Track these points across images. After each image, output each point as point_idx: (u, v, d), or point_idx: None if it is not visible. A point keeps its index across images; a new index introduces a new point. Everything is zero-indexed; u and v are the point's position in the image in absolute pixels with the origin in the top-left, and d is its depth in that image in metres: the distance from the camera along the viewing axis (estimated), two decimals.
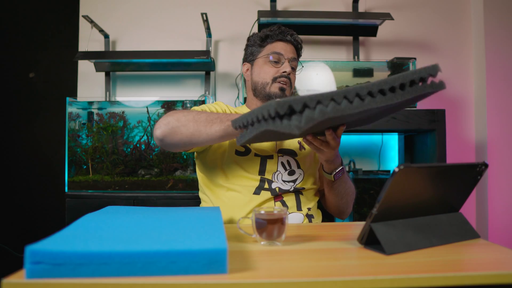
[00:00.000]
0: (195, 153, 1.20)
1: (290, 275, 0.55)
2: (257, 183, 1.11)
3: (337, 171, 1.06)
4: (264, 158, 1.13)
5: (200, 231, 0.66)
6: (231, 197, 1.10)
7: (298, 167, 1.16)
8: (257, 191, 1.09)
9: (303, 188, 1.14)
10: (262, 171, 1.12)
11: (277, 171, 1.13)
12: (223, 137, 0.94)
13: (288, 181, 1.13)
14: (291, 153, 1.17)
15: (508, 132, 2.17)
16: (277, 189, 1.10)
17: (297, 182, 1.14)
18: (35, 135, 2.25)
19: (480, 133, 2.22)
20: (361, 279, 0.53)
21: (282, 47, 1.22)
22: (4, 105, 2.24)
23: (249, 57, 1.27)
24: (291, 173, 1.14)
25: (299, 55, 1.28)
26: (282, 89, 1.18)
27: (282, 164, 1.14)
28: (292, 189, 1.12)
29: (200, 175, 1.20)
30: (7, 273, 0.54)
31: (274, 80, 1.18)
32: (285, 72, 1.18)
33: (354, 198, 1.24)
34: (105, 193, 1.83)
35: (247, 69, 1.27)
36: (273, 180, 1.12)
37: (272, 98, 1.18)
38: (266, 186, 1.10)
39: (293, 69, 1.23)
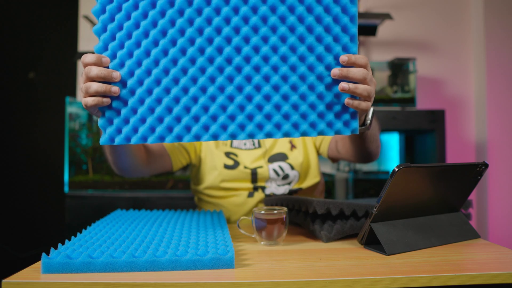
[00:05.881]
0: (191, 170, 1.20)
1: (290, 275, 0.55)
2: (250, 190, 1.09)
3: (370, 116, 0.80)
4: (254, 170, 1.09)
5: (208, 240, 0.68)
6: (225, 202, 1.10)
7: (292, 169, 1.10)
8: (250, 195, 1.09)
9: (300, 189, 1.12)
10: (254, 180, 1.09)
11: (269, 178, 1.09)
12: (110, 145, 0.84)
13: (283, 185, 1.10)
14: (281, 157, 1.11)
15: (508, 132, 2.17)
16: (271, 194, 1.09)
17: (292, 184, 1.11)
18: (35, 135, 2.25)
19: (480, 133, 2.22)
20: (361, 279, 0.53)
21: None
22: (4, 105, 2.24)
23: None
24: (285, 177, 1.10)
25: None
26: None
27: (274, 171, 1.10)
28: (287, 191, 1.10)
29: (194, 188, 1.19)
30: (7, 273, 0.54)
31: None
32: None
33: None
34: (105, 193, 1.83)
35: None
36: (267, 186, 1.09)
37: None
38: (260, 191, 1.09)
39: None
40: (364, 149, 0.94)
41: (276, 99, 0.65)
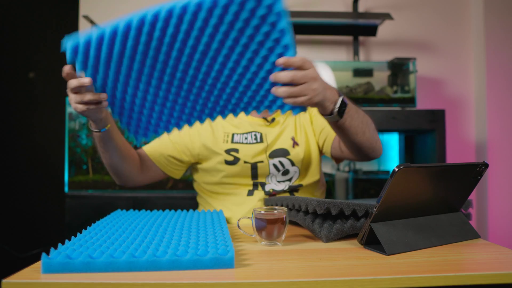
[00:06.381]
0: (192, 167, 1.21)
1: (290, 275, 0.55)
2: (250, 187, 1.10)
3: (338, 105, 0.85)
4: (254, 164, 1.10)
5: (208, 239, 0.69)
6: (225, 200, 1.11)
7: (293, 165, 1.11)
8: (250, 193, 1.09)
9: (301, 185, 1.12)
10: (254, 176, 1.10)
11: (270, 174, 1.10)
12: (100, 142, 0.96)
13: (283, 181, 1.11)
14: (283, 153, 1.12)
15: (508, 132, 2.17)
16: (271, 191, 1.09)
17: (292, 181, 1.11)
18: (35, 135, 2.25)
19: (480, 133, 2.22)
20: (361, 279, 0.53)
21: None
22: (4, 105, 2.23)
23: None
24: (285, 172, 1.11)
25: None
26: None
27: (275, 166, 1.10)
28: (287, 187, 1.10)
29: (195, 182, 1.20)
30: (7, 273, 0.54)
31: None
32: None
33: (374, 126, 1.04)
34: (105, 193, 1.83)
35: None
36: (267, 182, 1.10)
37: None
38: (260, 189, 1.09)
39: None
40: (352, 141, 0.96)
41: (237, 95, 0.81)
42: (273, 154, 1.11)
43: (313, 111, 1.21)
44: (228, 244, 0.64)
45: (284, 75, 0.75)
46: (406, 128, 1.88)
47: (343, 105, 0.85)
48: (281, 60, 0.74)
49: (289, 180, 1.11)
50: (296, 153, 1.12)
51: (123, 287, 0.52)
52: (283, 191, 1.10)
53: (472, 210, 0.90)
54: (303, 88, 0.76)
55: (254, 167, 1.09)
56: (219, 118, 1.15)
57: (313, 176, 1.14)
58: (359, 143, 0.97)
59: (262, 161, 1.10)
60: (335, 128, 0.93)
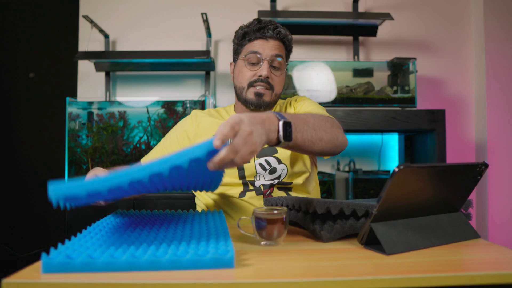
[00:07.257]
0: None
1: (290, 275, 0.55)
2: (240, 188, 1.09)
3: (281, 131, 0.75)
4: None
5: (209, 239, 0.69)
6: (220, 203, 1.12)
7: (279, 162, 1.09)
8: (242, 195, 1.09)
9: (291, 183, 1.11)
10: (242, 177, 1.10)
11: (257, 173, 1.09)
12: None
13: (271, 180, 1.10)
14: (271, 151, 1.11)
15: (508, 132, 2.17)
16: (261, 187, 1.08)
17: (281, 178, 1.10)
18: (35, 136, 2.25)
19: (480, 133, 2.22)
20: (361, 279, 0.53)
21: (261, 46, 1.11)
22: (4, 106, 2.23)
23: (233, 56, 1.21)
24: (272, 171, 1.09)
25: (287, 48, 1.17)
26: (258, 94, 1.11)
27: (261, 165, 1.09)
28: (276, 182, 1.09)
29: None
30: (7, 273, 0.54)
31: (250, 85, 1.12)
32: (261, 76, 1.10)
33: (331, 121, 0.95)
34: None
35: (232, 70, 1.21)
36: (255, 180, 1.10)
37: (248, 104, 1.13)
38: (251, 187, 1.09)
39: (276, 68, 1.13)
40: (312, 152, 0.89)
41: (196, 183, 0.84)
42: (261, 154, 1.11)
43: (297, 107, 1.18)
44: (228, 244, 0.64)
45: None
46: (406, 128, 1.88)
47: (287, 126, 0.75)
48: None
49: (278, 178, 1.10)
50: (284, 150, 1.10)
51: (123, 287, 0.52)
52: (273, 186, 1.10)
53: (472, 210, 0.90)
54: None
55: (240, 168, 1.09)
56: (208, 125, 1.16)
57: (302, 172, 1.13)
58: (320, 150, 0.89)
59: (247, 161, 1.09)
60: (291, 150, 0.84)
